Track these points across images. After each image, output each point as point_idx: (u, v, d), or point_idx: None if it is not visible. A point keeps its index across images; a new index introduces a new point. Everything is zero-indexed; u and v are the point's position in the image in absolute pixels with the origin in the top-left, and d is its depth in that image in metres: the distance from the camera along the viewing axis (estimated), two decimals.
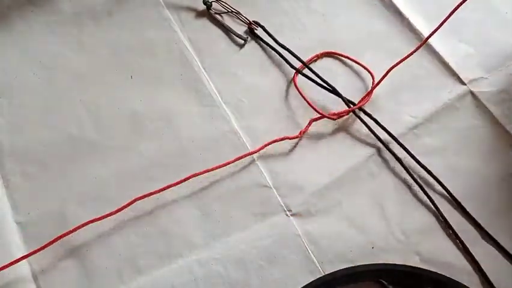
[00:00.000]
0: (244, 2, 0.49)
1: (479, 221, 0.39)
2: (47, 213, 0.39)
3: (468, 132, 0.43)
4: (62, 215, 0.39)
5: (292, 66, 0.45)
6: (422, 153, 0.42)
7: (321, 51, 0.46)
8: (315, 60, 0.46)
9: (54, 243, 0.38)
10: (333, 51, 0.46)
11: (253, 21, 0.47)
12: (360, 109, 0.43)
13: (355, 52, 0.46)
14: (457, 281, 0.36)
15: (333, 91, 0.44)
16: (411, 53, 0.44)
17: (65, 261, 0.38)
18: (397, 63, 0.43)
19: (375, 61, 0.46)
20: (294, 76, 0.45)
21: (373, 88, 0.44)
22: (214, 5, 0.48)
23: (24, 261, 0.37)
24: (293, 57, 0.46)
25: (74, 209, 0.39)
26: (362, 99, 0.44)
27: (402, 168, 0.41)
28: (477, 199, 0.40)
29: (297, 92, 0.44)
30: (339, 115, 0.43)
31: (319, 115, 0.43)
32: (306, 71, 0.45)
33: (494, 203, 0.40)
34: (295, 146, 0.43)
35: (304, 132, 0.42)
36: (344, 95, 0.44)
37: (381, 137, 0.42)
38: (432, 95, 0.44)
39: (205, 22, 0.48)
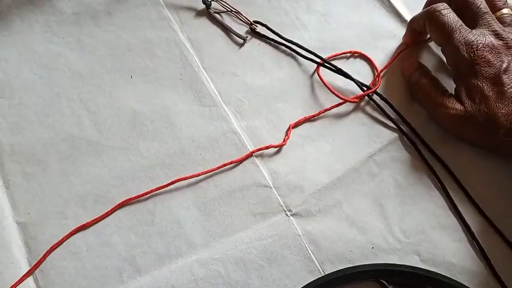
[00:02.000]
0: (244, 1, 0.49)
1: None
2: (47, 213, 0.39)
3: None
4: (63, 214, 0.39)
5: (313, 61, 0.46)
6: None
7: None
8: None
9: (53, 243, 0.38)
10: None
11: (254, 21, 0.47)
12: (371, 95, 0.44)
13: None
14: (457, 281, 0.37)
15: (353, 80, 0.45)
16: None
17: (65, 261, 0.38)
18: (402, 50, 0.46)
19: (375, 61, 0.46)
20: (317, 68, 0.46)
21: (380, 72, 0.45)
22: (214, 4, 0.48)
23: (24, 261, 0.38)
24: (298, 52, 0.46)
25: (75, 209, 0.40)
26: (372, 83, 0.45)
27: (411, 158, 0.42)
28: (478, 200, 0.40)
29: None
30: (357, 98, 0.44)
31: (298, 120, 0.43)
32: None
33: (499, 203, 0.40)
34: (295, 145, 0.43)
35: (288, 138, 0.42)
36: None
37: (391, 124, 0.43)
38: None
39: (204, 21, 0.48)
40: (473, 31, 0.40)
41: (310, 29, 0.48)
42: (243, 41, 0.47)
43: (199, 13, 0.49)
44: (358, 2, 0.49)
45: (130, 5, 0.48)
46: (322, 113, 0.44)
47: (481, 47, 0.39)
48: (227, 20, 0.48)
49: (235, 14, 0.48)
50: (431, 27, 0.41)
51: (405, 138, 0.43)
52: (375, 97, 0.44)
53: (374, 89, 0.44)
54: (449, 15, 0.41)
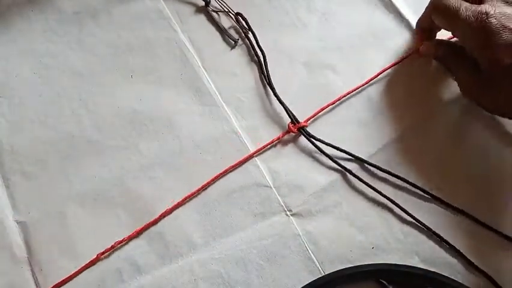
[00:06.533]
0: (244, 1, 0.49)
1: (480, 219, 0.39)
2: (47, 212, 0.39)
3: (468, 132, 0.43)
4: (63, 214, 0.39)
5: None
6: (421, 152, 0.42)
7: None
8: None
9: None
10: None
11: (244, 26, 0.47)
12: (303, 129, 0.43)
13: (355, 51, 0.46)
14: (458, 281, 0.37)
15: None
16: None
17: (65, 261, 0.38)
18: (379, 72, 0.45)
19: (375, 60, 0.46)
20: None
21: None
22: (214, 3, 0.48)
23: (24, 260, 0.38)
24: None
25: (74, 209, 0.40)
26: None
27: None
28: (476, 199, 0.40)
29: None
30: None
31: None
32: None
33: (494, 203, 0.40)
34: (296, 146, 0.42)
35: (280, 138, 0.42)
36: None
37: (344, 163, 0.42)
38: (432, 95, 0.44)
39: (204, 21, 0.48)
40: (481, 5, 0.38)
41: (310, 29, 0.48)
42: (233, 42, 0.47)
43: (199, 12, 0.49)
44: (359, 1, 0.49)
45: (130, 4, 0.48)
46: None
47: (492, 14, 0.37)
48: (224, 20, 0.48)
49: (227, 13, 0.48)
50: (437, 16, 0.41)
51: None
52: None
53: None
54: None
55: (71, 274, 0.37)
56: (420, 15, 0.45)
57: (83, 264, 0.38)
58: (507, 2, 0.38)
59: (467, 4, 0.39)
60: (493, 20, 0.36)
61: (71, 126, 0.43)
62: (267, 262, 0.38)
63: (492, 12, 0.37)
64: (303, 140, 0.43)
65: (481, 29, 0.37)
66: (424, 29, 0.45)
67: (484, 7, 0.37)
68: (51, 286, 0.37)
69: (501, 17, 0.37)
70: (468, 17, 0.38)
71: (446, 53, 0.43)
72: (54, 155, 0.42)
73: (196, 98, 0.44)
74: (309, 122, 0.43)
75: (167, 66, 0.46)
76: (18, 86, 0.44)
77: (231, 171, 0.41)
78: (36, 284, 0.37)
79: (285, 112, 0.43)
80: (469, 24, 0.37)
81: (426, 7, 0.43)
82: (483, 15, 0.37)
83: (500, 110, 0.40)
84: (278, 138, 0.42)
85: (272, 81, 0.44)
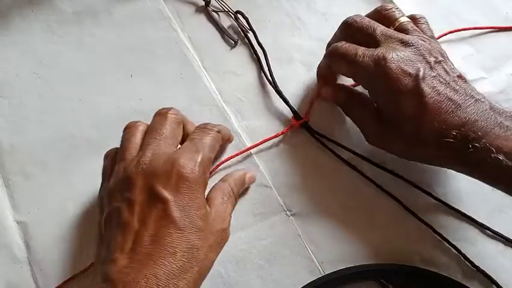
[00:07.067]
0: (244, 0, 0.49)
1: (479, 220, 0.39)
2: (47, 212, 0.39)
3: None
4: (63, 213, 0.39)
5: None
6: None
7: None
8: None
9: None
10: None
11: (244, 25, 0.47)
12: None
13: None
14: (458, 281, 0.37)
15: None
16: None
17: (65, 261, 0.38)
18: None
19: None
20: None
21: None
22: (214, 3, 0.48)
23: (24, 260, 0.38)
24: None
25: (75, 208, 0.40)
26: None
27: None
28: (477, 201, 0.40)
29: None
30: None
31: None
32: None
33: (494, 204, 0.40)
34: (296, 146, 0.42)
35: (284, 132, 0.42)
36: None
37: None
38: None
39: (204, 21, 0.48)
40: (378, 48, 0.37)
41: (310, 29, 0.48)
42: (233, 42, 0.47)
43: (200, 12, 0.49)
44: (359, 1, 0.49)
45: (130, 4, 0.48)
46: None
47: (390, 58, 0.35)
48: (224, 20, 0.48)
49: (227, 12, 0.48)
50: (336, 64, 0.39)
51: None
52: None
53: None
54: (346, 45, 0.38)
55: (71, 275, 0.37)
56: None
57: (84, 265, 0.38)
58: (403, 43, 0.36)
59: (363, 49, 0.37)
60: (392, 65, 0.35)
61: (71, 126, 0.43)
62: (267, 262, 0.38)
63: (389, 57, 0.35)
64: (302, 140, 0.43)
65: (380, 75, 0.35)
66: (324, 76, 0.43)
67: (381, 51, 0.36)
68: (51, 286, 0.37)
69: (399, 61, 0.35)
70: (366, 63, 0.36)
71: (347, 100, 0.41)
72: (54, 154, 0.42)
73: (196, 97, 0.44)
74: (309, 117, 0.43)
75: (167, 66, 0.46)
76: (18, 86, 0.44)
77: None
78: (36, 284, 0.37)
79: (285, 112, 0.43)
80: (368, 70, 0.36)
81: (324, 55, 0.41)
82: (381, 61, 0.35)
83: (409, 157, 0.38)
84: (282, 133, 0.42)
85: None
